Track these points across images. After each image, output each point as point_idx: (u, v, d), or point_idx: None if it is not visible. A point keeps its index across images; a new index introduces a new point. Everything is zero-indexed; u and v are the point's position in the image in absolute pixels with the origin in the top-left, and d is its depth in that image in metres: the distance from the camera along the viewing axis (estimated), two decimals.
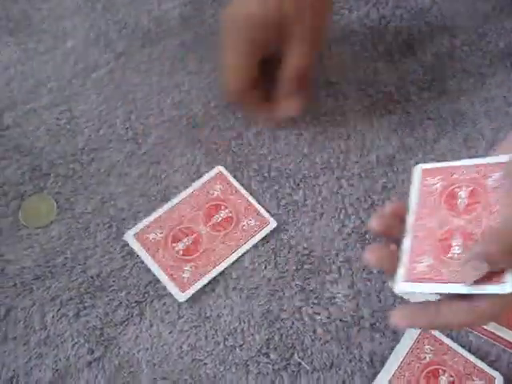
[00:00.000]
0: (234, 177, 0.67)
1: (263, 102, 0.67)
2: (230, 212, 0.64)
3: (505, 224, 0.44)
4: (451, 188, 0.51)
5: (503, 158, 0.49)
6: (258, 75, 0.64)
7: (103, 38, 0.75)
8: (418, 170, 0.54)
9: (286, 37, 0.61)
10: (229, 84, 0.65)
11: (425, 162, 0.53)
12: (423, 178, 0.53)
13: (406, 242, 0.49)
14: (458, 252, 0.46)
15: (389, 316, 0.46)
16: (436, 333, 0.60)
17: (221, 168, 0.67)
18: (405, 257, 0.48)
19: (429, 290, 0.46)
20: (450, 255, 0.47)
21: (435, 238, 0.48)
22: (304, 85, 0.65)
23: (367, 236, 0.64)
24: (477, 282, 0.43)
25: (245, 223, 0.64)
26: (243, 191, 0.66)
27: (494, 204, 0.47)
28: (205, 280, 0.61)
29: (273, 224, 0.64)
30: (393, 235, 0.49)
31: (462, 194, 0.50)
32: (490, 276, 0.43)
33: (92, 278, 0.62)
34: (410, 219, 0.50)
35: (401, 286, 0.47)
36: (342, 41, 0.77)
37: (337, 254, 0.63)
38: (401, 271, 0.48)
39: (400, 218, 0.50)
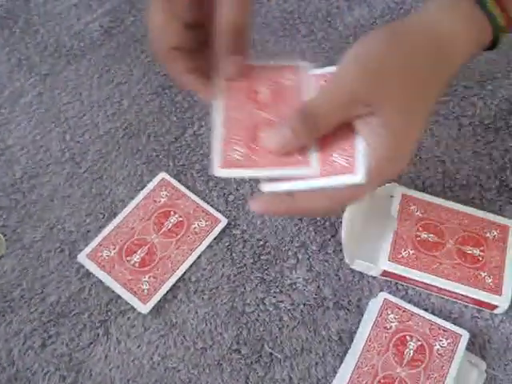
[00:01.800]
0: (179, 181, 0.67)
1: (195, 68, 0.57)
2: (180, 217, 0.64)
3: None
4: (253, 87, 0.54)
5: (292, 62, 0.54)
6: (180, 34, 0.54)
7: (26, 62, 0.74)
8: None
9: None
10: (150, 43, 0.56)
11: None
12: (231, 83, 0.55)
13: (217, 131, 0.52)
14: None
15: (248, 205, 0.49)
16: (398, 301, 0.61)
17: (163, 174, 0.67)
18: (217, 144, 0.51)
19: (244, 175, 0.51)
20: (260, 144, 0.51)
21: (245, 128, 0.52)
22: (242, 42, 0.56)
23: (318, 218, 0.65)
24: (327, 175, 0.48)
25: (196, 225, 0.64)
26: (189, 194, 0.66)
27: (292, 100, 0.52)
28: (165, 288, 0.61)
29: (224, 221, 0.64)
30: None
31: (263, 90, 0.53)
32: (339, 168, 0.48)
33: (52, 305, 0.61)
34: (219, 108, 0.53)
35: (217, 170, 0.50)
36: (264, 29, 0.77)
37: (291, 241, 0.64)
38: (216, 155, 0.51)
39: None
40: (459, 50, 0.50)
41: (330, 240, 0.64)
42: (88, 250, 0.63)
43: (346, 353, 0.59)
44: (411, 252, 0.62)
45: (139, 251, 0.63)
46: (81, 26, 0.77)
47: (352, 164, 0.47)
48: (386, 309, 0.61)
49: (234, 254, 0.63)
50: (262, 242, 0.64)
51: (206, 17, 0.54)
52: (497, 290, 0.60)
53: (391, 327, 0.60)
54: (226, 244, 0.64)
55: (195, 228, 0.64)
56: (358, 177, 0.47)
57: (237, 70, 0.55)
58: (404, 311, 0.60)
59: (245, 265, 0.63)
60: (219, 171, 0.51)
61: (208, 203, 0.66)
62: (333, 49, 0.76)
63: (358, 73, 0.47)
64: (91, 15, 0.77)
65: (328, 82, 0.49)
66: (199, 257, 0.63)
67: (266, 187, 0.50)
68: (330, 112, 0.47)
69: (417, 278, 0.61)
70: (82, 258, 0.62)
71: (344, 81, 0.47)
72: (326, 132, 0.48)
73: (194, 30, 0.55)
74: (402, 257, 0.62)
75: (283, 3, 0.79)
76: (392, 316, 0.60)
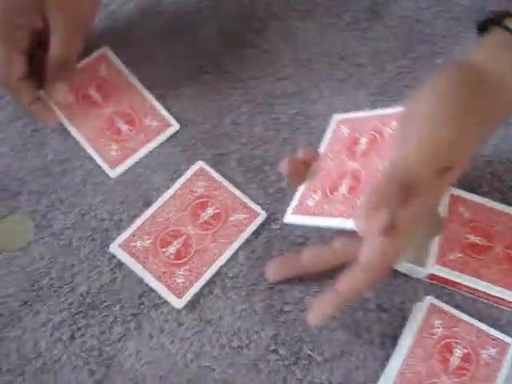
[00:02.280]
0: (216, 171, 0.64)
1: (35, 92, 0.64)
2: (217, 208, 0.62)
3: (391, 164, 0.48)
4: (355, 136, 0.56)
5: (398, 109, 0.53)
6: (23, 66, 0.61)
7: None
8: (333, 121, 0.59)
9: (48, 23, 0.60)
10: None
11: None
12: (336, 127, 0.59)
13: (306, 180, 0.56)
14: (344, 192, 0.52)
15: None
16: (444, 305, 0.58)
17: (201, 163, 0.64)
18: (299, 192, 0.55)
19: (310, 222, 0.52)
20: (335, 193, 0.52)
21: (329, 179, 0.54)
22: (66, 72, 0.63)
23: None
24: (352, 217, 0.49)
25: (234, 218, 0.61)
26: (227, 185, 0.63)
27: (387, 151, 0.52)
28: (201, 282, 0.58)
29: (262, 215, 0.61)
30: (298, 178, 0.57)
31: (363, 140, 0.55)
32: None
33: (82, 296, 0.58)
34: (315, 163, 0.56)
35: (288, 217, 0.53)
36: (307, 15, 0.74)
37: (332, 238, 0.61)
38: (292, 204, 0.54)
39: (306, 165, 0.57)
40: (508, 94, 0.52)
41: None
42: (121, 239, 0.60)
43: (387, 357, 0.56)
44: (459, 255, 0.59)
45: (175, 243, 0.60)
46: None
47: None
48: (432, 314, 0.58)
49: (272, 251, 0.61)
50: (302, 239, 0.61)
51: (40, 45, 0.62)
52: None
53: (437, 333, 0.57)
54: (265, 239, 0.61)
55: (233, 221, 0.61)
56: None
57: (62, 95, 0.63)
58: (450, 317, 0.58)
59: None
60: (289, 217, 0.53)
61: (246, 195, 0.63)
62: (377, 39, 0.73)
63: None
64: None
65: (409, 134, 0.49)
66: (236, 252, 0.60)
67: (288, 218, 0.53)
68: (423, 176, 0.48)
69: (464, 283, 0.58)
70: (114, 247, 0.60)
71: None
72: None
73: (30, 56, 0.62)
74: (450, 260, 0.59)
75: None
76: (438, 321, 0.58)
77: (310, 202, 0.53)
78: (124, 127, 0.65)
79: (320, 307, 0.52)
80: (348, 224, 0.48)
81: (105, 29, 0.71)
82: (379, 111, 0.57)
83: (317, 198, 0.53)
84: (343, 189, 0.53)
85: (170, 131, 0.66)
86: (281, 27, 0.73)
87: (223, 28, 0.73)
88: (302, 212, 0.53)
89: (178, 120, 0.67)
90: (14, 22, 0.59)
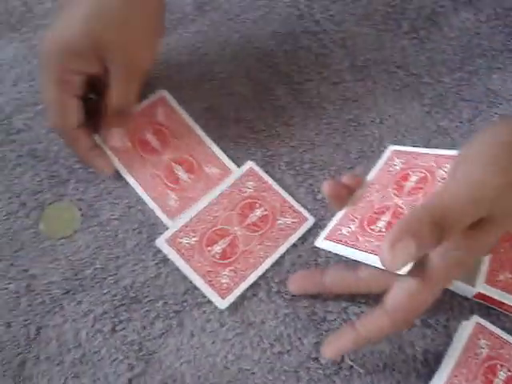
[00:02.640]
0: (266, 172, 0.63)
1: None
2: (265, 210, 0.61)
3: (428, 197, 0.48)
4: (407, 171, 0.55)
5: (456, 152, 0.51)
6: (79, 114, 0.59)
7: None
8: (388, 150, 0.58)
9: (106, 69, 0.57)
10: (49, 120, 0.60)
11: (462, 144, 0.50)
12: (389, 158, 0.57)
13: (345, 208, 0.55)
14: (381, 226, 0.50)
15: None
16: (491, 326, 0.57)
17: (251, 164, 0.63)
18: (337, 218, 0.54)
19: (341, 252, 0.50)
20: (373, 227, 0.50)
21: (370, 210, 0.52)
22: (123, 119, 0.62)
23: None
24: None
25: (281, 221, 0.60)
26: (277, 187, 0.62)
27: (432, 192, 0.50)
28: (245, 284, 0.58)
29: (311, 221, 0.61)
30: (338, 201, 0.56)
31: (413, 178, 0.53)
32: None
33: (125, 289, 0.58)
34: (360, 191, 0.55)
35: (320, 241, 0.52)
36: (364, 21, 0.73)
37: (360, 265, 0.60)
38: (327, 229, 0.53)
39: (349, 190, 0.56)
40: None
41: None
42: (167, 234, 0.59)
43: (430, 375, 0.55)
44: (509, 276, 0.58)
45: (221, 242, 0.59)
46: None
47: None
48: (478, 334, 0.57)
49: (318, 258, 0.60)
50: None
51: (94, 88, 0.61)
52: None
53: (481, 353, 0.56)
54: (312, 245, 0.60)
55: (280, 224, 0.60)
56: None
57: (118, 140, 0.61)
58: (496, 338, 0.57)
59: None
60: (321, 242, 0.53)
61: (295, 199, 0.62)
62: (434, 49, 0.71)
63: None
64: None
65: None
66: (282, 256, 0.59)
67: (320, 242, 0.52)
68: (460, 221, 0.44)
69: None
70: (160, 242, 0.59)
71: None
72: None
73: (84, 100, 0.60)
74: (499, 280, 0.58)
75: None
76: (483, 342, 0.56)
77: (345, 231, 0.52)
78: (183, 175, 0.63)
79: (337, 342, 0.51)
80: (379, 263, 0.45)
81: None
82: (437, 150, 0.55)
83: (352, 228, 0.51)
84: (381, 224, 0.51)
85: (229, 180, 0.63)
86: (338, 31, 0.72)
87: (278, 29, 0.72)
88: (334, 239, 0.52)
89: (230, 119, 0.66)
90: (69, 67, 0.57)
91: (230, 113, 0.66)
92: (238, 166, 0.63)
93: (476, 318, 0.57)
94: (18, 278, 0.58)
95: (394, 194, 0.52)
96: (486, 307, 0.58)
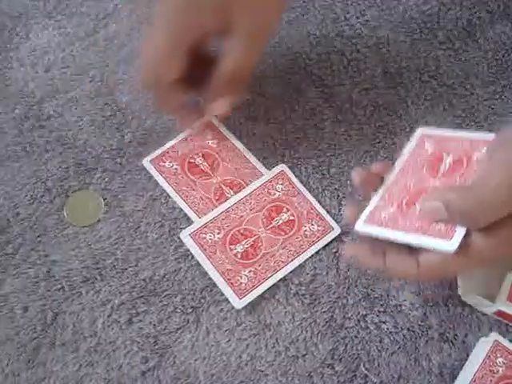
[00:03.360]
0: (292, 173, 0.63)
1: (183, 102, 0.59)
2: (292, 215, 0.60)
3: (475, 183, 0.45)
4: (441, 153, 0.53)
5: (488, 136, 0.51)
6: (184, 67, 0.55)
7: (148, 22, 0.71)
8: (417, 133, 0.57)
9: (227, 27, 0.52)
10: (147, 70, 0.56)
11: None
12: (420, 141, 0.56)
13: (381, 190, 0.53)
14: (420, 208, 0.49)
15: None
16: (509, 344, 0.56)
17: (282, 166, 0.63)
18: (373, 201, 0.53)
19: (382, 234, 0.49)
20: (412, 208, 0.50)
21: (407, 193, 0.52)
22: (238, 87, 0.58)
23: None
24: (426, 233, 0.47)
25: (307, 228, 0.60)
26: (306, 193, 0.62)
27: (471, 175, 0.50)
28: (263, 287, 0.57)
29: (336, 230, 0.60)
30: (369, 190, 0.53)
31: (448, 159, 0.52)
32: (441, 232, 0.46)
33: (145, 281, 0.58)
34: (393, 173, 0.54)
35: (360, 224, 0.51)
36: (400, 28, 0.73)
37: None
38: (366, 212, 0.52)
39: (379, 177, 0.54)
40: None
41: None
42: (193, 228, 0.59)
43: None
44: None
45: (244, 242, 0.59)
46: None
47: (450, 231, 0.46)
48: (495, 351, 0.56)
49: (339, 263, 0.59)
50: None
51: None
52: None
53: (498, 371, 0.55)
54: (334, 251, 0.60)
55: (306, 231, 0.60)
56: (450, 245, 0.45)
57: (222, 110, 0.58)
58: None
59: (349, 276, 0.59)
60: (361, 226, 0.51)
61: (320, 203, 0.62)
62: (469, 61, 0.71)
63: None
64: None
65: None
66: (304, 261, 0.59)
67: (360, 226, 0.51)
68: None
69: None
70: (184, 235, 0.59)
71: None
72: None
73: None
74: None
75: (422, 5, 0.74)
76: (501, 360, 0.56)
77: (384, 214, 0.51)
78: (233, 198, 0.62)
79: (363, 252, 0.51)
80: (422, 241, 0.47)
81: None
82: (467, 133, 0.55)
83: (391, 210, 0.51)
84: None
85: (259, 181, 0.63)
86: (372, 36, 0.72)
87: (312, 31, 0.72)
88: (375, 222, 0.52)
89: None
90: (186, 22, 0.52)
91: (260, 113, 0.66)
92: (266, 166, 0.63)
93: (495, 336, 0.56)
94: (38, 263, 0.59)
95: (430, 176, 0.52)
96: (506, 324, 0.58)
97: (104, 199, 0.61)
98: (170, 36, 0.53)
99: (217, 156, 0.63)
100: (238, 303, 0.57)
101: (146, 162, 0.62)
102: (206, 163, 0.63)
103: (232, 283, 0.57)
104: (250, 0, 0.52)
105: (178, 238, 0.59)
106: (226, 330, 0.57)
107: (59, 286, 0.58)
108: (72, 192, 0.62)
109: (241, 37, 0.53)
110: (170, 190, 0.61)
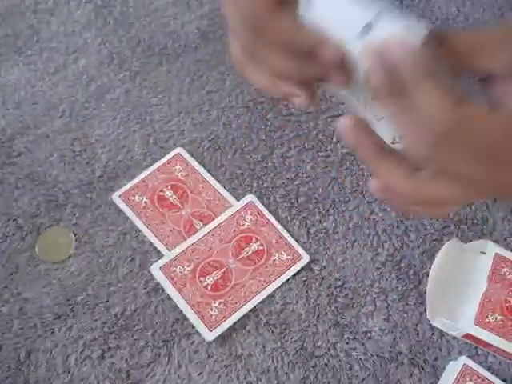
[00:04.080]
0: (261, 203, 0.64)
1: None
2: (261, 245, 0.61)
3: None
4: None
5: None
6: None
7: (116, 56, 0.72)
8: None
9: None
10: (231, 48, 0.44)
11: None
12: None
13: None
14: None
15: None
16: (478, 368, 0.57)
17: (252, 197, 0.63)
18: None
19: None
20: None
21: None
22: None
23: (402, 265, 0.61)
24: None
25: (276, 257, 0.61)
26: (274, 222, 0.62)
27: None
28: (234, 318, 0.58)
29: (305, 259, 0.61)
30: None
31: None
32: None
33: (116, 316, 0.59)
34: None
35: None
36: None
37: (371, 285, 0.61)
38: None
39: None
40: None
41: (412, 290, 0.60)
42: (163, 262, 0.60)
43: None
44: (498, 318, 0.58)
45: (214, 274, 0.60)
46: (177, 25, 0.74)
47: None
48: (465, 375, 0.57)
49: (309, 292, 0.60)
50: (340, 282, 0.60)
51: None
52: None
53: None
54: (303, 279, 0.60)
55: (275, 260, 0.60)
56: None
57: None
58: (483, 380, 0.57)
59: (319, 304, 0.60)
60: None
61: (289, 232, 0.62)
62: None
63: None
64: (189, 16, 0.74)
65: None
66: (274, 290, 0.60)
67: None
68: None
69: (501, 347, 0.57)
70: (154, 269, 0.60)
71: None
72: None
73: None
74: (489, 322, 0.58)
75: None
76: (470, 383, 0.57)
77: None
78: (203, 229, 0.62)
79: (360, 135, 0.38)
80: None
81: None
82: None
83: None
84: None
85: (228, 212, 0.64)
86: None
87: None
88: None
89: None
90: None
91: (228, 143, 0.67)
92: (235, 196, 0.64)
93: (464, 359, 0.57)
94: (11, 301, 0.59)
95: None
96: (475, 347, 0.58)
97: (75, 235, 0.62)
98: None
99: (186, 188, 0.64)
100: (209, 335, 0.57)
101: (115, 196, 0.63)
102: (175, 196, 0.63)
103: (202, 315, 0.58)
104: None
105: (149, 271, 0.60)
106: (197, 363, 0.57)
107: (32, 324, 0.58)
108: (43, 229, 0.62)
109: None
110: (139, 223, 0.62)
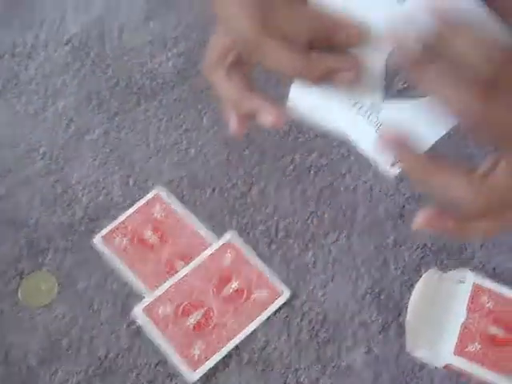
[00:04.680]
0: (241, 239, 0.64)
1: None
2: (242, 283, 0.62)
3: None
4: None
5: None
6: None
7: (95, 97, 0.73)
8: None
9: None
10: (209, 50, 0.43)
11: None
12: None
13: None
14: None
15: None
16: None
17: (231, 234, 0.64)
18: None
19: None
20: None
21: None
22: None
23: (382, 297, 0.62)
24: None
25: (257, 295, 0.61)
26: (254, 259, 0.63)
27: None
28: (217, 357, 0.58)
29: (286, 295, 0.61)
30: None
31: None
32: None
33: (100, 359, 0.59)
34: None
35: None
36: None
37: (352, 318, 0.61)
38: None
39: None
40: None
41: (392, 322, 0.61)
42: (144, 303, 0.61)
43: None
44: (478, 347, 0.59)
45: (195, 313, 0.60)
46: (154, 64, 0.75)
47: None
48: None
49: (291, 328, 0.61)
50: (321, 317, 0.61)
51: None
52: None
53: None
54: (284, 315, 0.61)
55: (256, 298, 0.61)
56: None
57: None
58: None
59: (301, 340, 0.60)
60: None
61: (269, 268, 0.63)
62: None
63: None
64: (165, 54, 0.76)
65: None
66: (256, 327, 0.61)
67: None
68: None
69: (482, 376, 0.58)
70: (137, 311, 0.60)
71: None
72: None
73: None
74: (469, 351, 0.58)
75: None
76: None
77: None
78: (184, 269, 0.63)
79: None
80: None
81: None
82: None
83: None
84: None
85: (208, 251, 0.64)
86: None
87: None
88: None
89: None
90: None
91: (206, 181, 0.68)
92: (215, 234, 0.65)
93: None
94: None
95: None
96: (456, 377, 0.59)
97: (57, 279, 0.63)
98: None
99: (166, 228, 0.65)
100: (192, 376, 0.58)
101: (96, 239, 0.64)
102: (155, 236, 0.64)
103: (185, 356, 0.58)
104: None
105: (131, 313, 0.61)
106: None
107: (17, 369, 0.59)
108: (26, 274, 0.63)
109: None
110: (121, 265, 0.63)
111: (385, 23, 0.34)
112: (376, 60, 0.36)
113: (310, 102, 0.38)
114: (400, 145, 0.36)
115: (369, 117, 0.37)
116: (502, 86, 0.32)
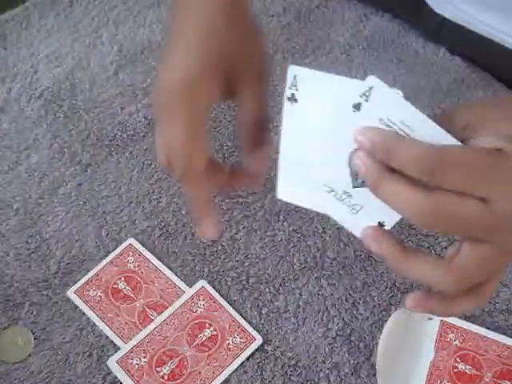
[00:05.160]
0: (213, 287, 0.66)
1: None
2: (215, 330, 0.63)
3: None
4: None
5: None
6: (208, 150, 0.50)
7: (67, 150, 0.74)
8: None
9: (236, 81, 0.49)
10: (176, 168, 0.51)
11: None
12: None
13: None
14: None
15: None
16: None
17: (204, 282, 0.66)
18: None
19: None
20: None
21: None
22: (266, 131, 0.52)
23: (352, 338, 0.63)
24: None
25: (230, 341, 0.62)
26: (227, 306, 0.64)
27: None
28: None
29: (259, 340, 0.63)
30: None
31: None
32: None
33: None
34: None
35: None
36: None
37: (323, 361, 0.62)
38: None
39: None
40: None
41: (363, 363, 0.62)
42: (119, 355, 0.61)
43: None
44: None
45: (169, 363, 0.61)
46: (125, 115, 0.77)
47: None
48: None
49: (264, 373, 0.62)
50: (293, 361, 0.62)
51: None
52: None
53: None
54: (257, 361, 0.62)
55: (229, 344, 0.62)
56: None
57: (262, 163, 0.54)
58: None
59: None
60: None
61: (241, 315, 0.64)
62: None
63: None
64: (135, 105, 0.77)
65: None
66: (229, 375, 0.62)
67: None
68: None
69: None
70: (111, 363, 0.61)
71: None
72: None
73: None
74: None
75: None
76: None
77: None
78: (157, 319, 0.64)
79: (391, 250, 0.41)
80: None
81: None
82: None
83: None
84: None
85: (181, 300, 0.65)
86: None
87: (225, 142, 0.76)
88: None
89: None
90: (198, 101, 0.48)
91: (178, 229, 0.69)
92: (187, 283, 0.66)
93: None
94: None
95: None
96: None
97: (33, 333, 0.63)
98: (186, 129, 0.48)
99: (139, 278, 0.66)
100: None
101: (70, 293, 0.65)
102: (128, 287, 0.65)
103: None
104: (244, 49, 0.49)
105: (106, 365, 0.61)
106: None
107: None
108: (1, 329, 0.64)
109: (251, 79, 0.50)
110: (95, 318, 0.63)
111: (344, 127, 0.39)
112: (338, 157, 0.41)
113: (296, 195, 0.46)
114: (380, 241, 0.42)
115: (343, 201, 0.42)
116: (444, 181, 0.37)
